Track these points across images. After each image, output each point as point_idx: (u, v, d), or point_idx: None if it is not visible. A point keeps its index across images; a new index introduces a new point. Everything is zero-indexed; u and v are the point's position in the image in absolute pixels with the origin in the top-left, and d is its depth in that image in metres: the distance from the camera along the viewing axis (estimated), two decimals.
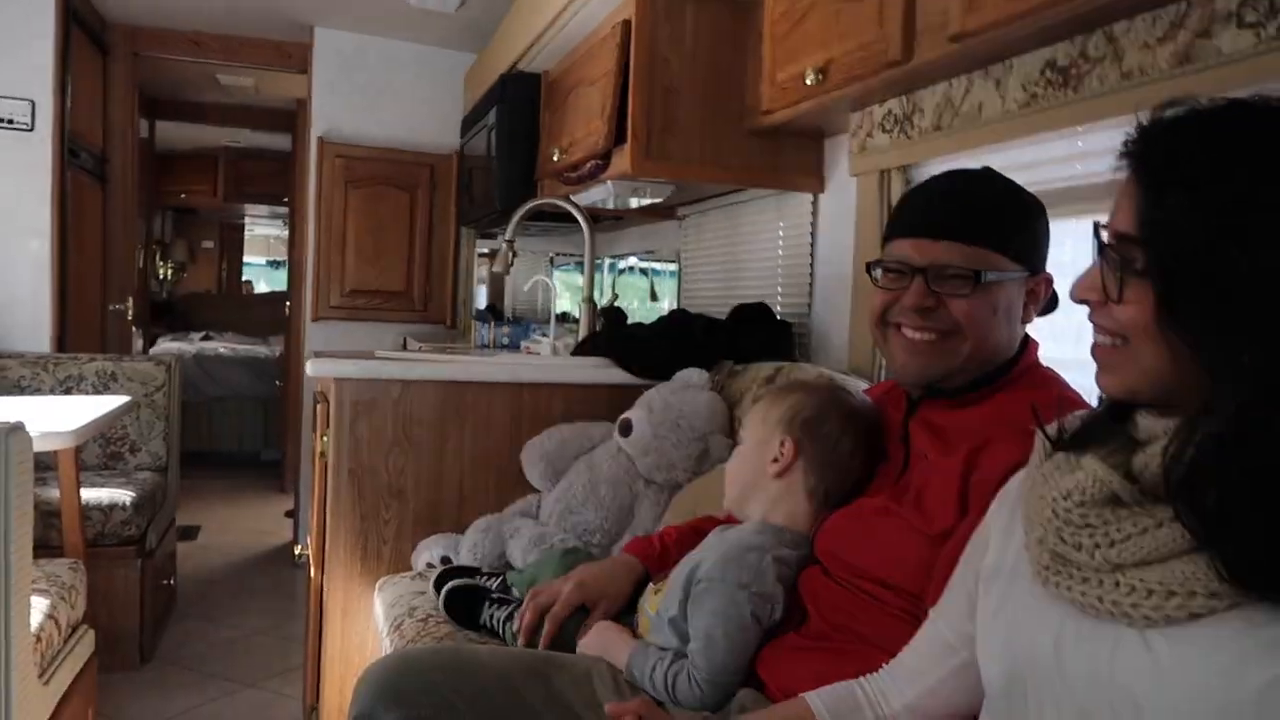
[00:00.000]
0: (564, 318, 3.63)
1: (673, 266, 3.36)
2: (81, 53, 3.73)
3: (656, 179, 2.46)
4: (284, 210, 6.93)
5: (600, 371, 2.31)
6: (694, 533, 1.45)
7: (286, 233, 7.06)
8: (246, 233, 8.50)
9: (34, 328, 3.40)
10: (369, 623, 2.05)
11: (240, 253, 8.51)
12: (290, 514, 4.42)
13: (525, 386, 2.27)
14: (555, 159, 2.92)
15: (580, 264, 2.99)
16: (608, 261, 3.98)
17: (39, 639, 1.81)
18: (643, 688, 1.21)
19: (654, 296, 3.69)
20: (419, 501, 2.21)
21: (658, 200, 2.75)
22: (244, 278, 8.58)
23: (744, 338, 2.19)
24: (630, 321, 2.75)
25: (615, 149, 2.39)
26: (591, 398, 2.28)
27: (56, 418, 2.20)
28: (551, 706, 1.18)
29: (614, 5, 2.40)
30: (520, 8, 3.16)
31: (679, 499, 1.85)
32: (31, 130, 3.40)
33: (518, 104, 3.20)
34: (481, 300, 4.12)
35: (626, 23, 2.28)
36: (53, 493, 2.46)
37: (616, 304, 3.26)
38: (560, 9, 2.65)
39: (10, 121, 3.37)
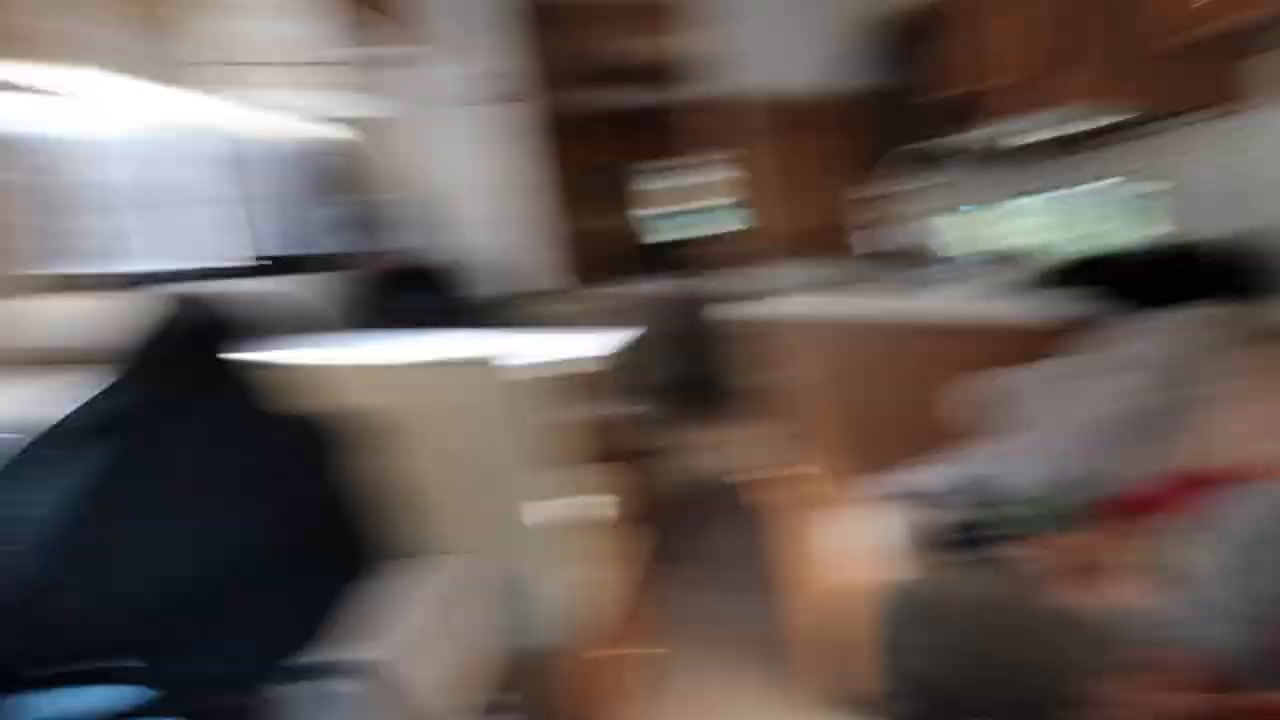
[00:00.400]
0: (1002, 256, 3.48)
1: (1122, 193, 3.08)
2: (544, 29, 4.21)
3: (1088, 103, 2.27)
4: (704, 162, 7.29)
5: (1052, 310, 2.20)
6: (1203, 485, 1.33)
7: (731, 177, 7.41)
8: (698, 179, 8.98)
9: (546, 269, 3.99)
10: (839, 548, 2.14)
11: (698, 198, 9.06)
12: (763, 439, 4.74)
13: (952, 329, 2.23)
14: (974, 91, 2.81)
15: (1013, 197, 2.85)
16: (1049, 192, 3.74)
17: (594, 531, 2.16)
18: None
19: (1102, 229, 3.40)
20: (845, 441, 2.25)
21: (1093, 124, 2.54)
22: (701, 221, 9.12)
23: (1236, 273, 1.96)
24: (1071, 256, 2.59)
25: (1045, 75, 2.25)
26: (1043, 339, 2.18)
27: (576, 348, 2.55)
28: (1072, 650, 1.17)
29: None
30: None
31: (1165, 448, 1.73)
32: (517, 98, 3.91)
33: (917, 39, 3.10)
34: (908, 241, 4.08)
35: None
36: (582, 411, 2.87)
37: (1059, 238, 3.06)
38: None
39: (500, 92, 3.87)
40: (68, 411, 0.87)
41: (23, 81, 2.12)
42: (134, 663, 0.89)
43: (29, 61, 2.10)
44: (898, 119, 3.30)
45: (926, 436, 2.21)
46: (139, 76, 2.46)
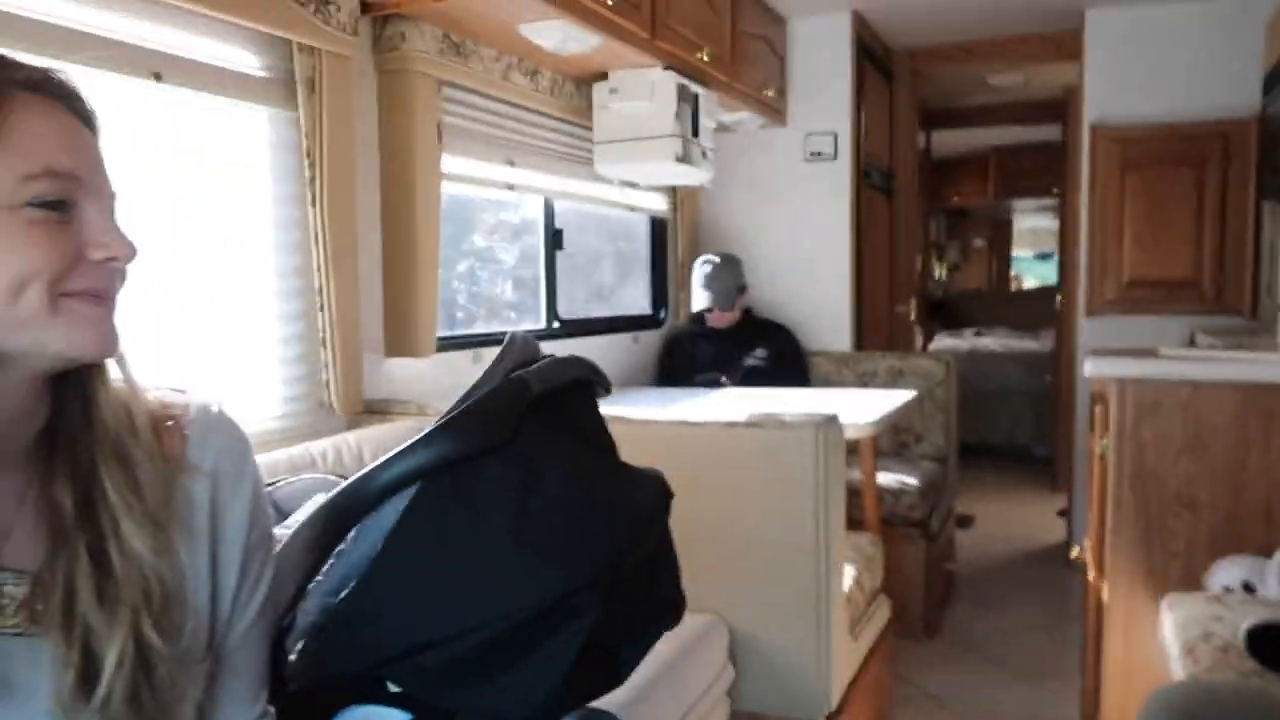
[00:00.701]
0: None
1: None
2: (871, 83, 4.21)
3: None
4: (1051, 201, 6.84)
5: None
6: None
7: (1054, 223, 6.96)
8: (1014, 227, 8.58)
9: (838, 330, 3.95)
10: (1153, 639, 1.94)
11: (1008, 247, 8.64)
12: (1063, 513, 4.36)
13: None
14: None
15: None
16: None
17: (849, 600, 2.13)
18: None
19: None
20: (1214, 516, 2.01)
21: None
22: (1011, 272, 8.68)
23: None
24: None
25: None
26: None
27: (858, 409, 2.54)
28: None
29: None
30: None
31: None
32: (834, 159, 3.96)
33: None
34: None
35: None
36: (854, 474, 2.84)
37: None
38: None
39: (820, 154, 3.97)
40: (393, 455, 0.98)
41: (465, 172, 2.57)
42: (422, 691, 0.97)
43: (467, 156, 2.56)
44: None
45: None
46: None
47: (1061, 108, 5.24)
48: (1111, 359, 2.14)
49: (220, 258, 1.91)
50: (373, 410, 2.16)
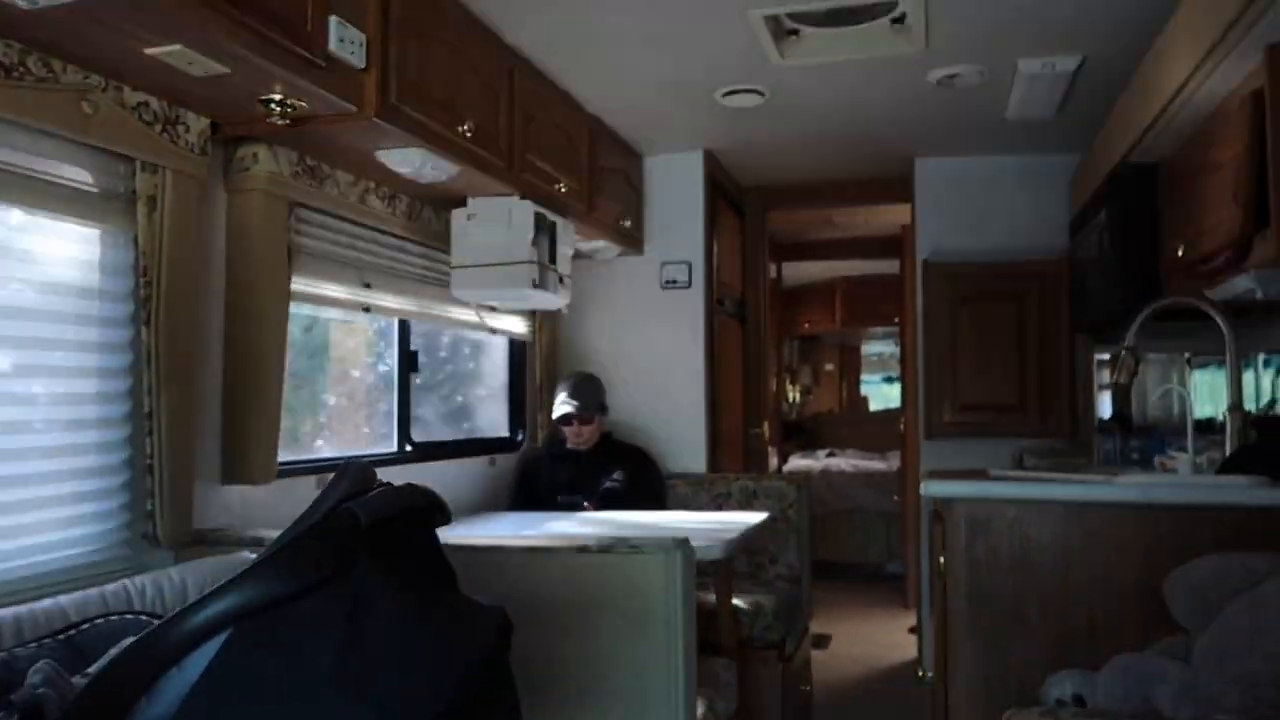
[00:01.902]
0: (1207, 427, 3.18)
1: None
2: (724, 216, 4.43)
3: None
4: (895, 329, 7.26)
5: (1258, 493, 1.98)
6: None
7: (898, 350, 7.38)
8: (863, 352, 9.02)
9: (693, 452, 4.02)
10: None
11: (858, 372, 9.06)
12: (914, 630, 4.47)
13: (1161, 509, 2.05)
14: (1180, 253, 2.65)
15: (1223, 364, 2.62)
16: (1261, 359, 3.40)
17: None
18: None
19: None
20: (1044, 631, 2.10)
21: None
22: (862, 394, 9.08)
23: None
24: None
25: (1256, 235, 2.10)
26: (1248, 523, 1.97)
27: (712, 532, 2.57)
28: None
29: (1238, 79, 2.14)
30: (1126, 100, 2.98)
31: None
32: (689, 287, 4.10)
33: (1131, 199, 3.00)
34: (1105, 410, 3.81)
35: (1257, 94, 2.02)
36: (708, 597, 2.84)
37: (1276, 410, 2.78)
38: (1172, 94, 2.44)
39: (675, 283, 4.11)
40: (198, 600, 0.93)
41: (317, 294, 2.54)
42: None
43: (320, 278, 2.54)
44: (1106, 282, 3.17)
45: (1122, 631, 2.02)
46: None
47: (898, 244, 5.62)
48: (945, 481, 2.26)
49: (28, 382, 1.79)
50: (203, 541, 2.03)
